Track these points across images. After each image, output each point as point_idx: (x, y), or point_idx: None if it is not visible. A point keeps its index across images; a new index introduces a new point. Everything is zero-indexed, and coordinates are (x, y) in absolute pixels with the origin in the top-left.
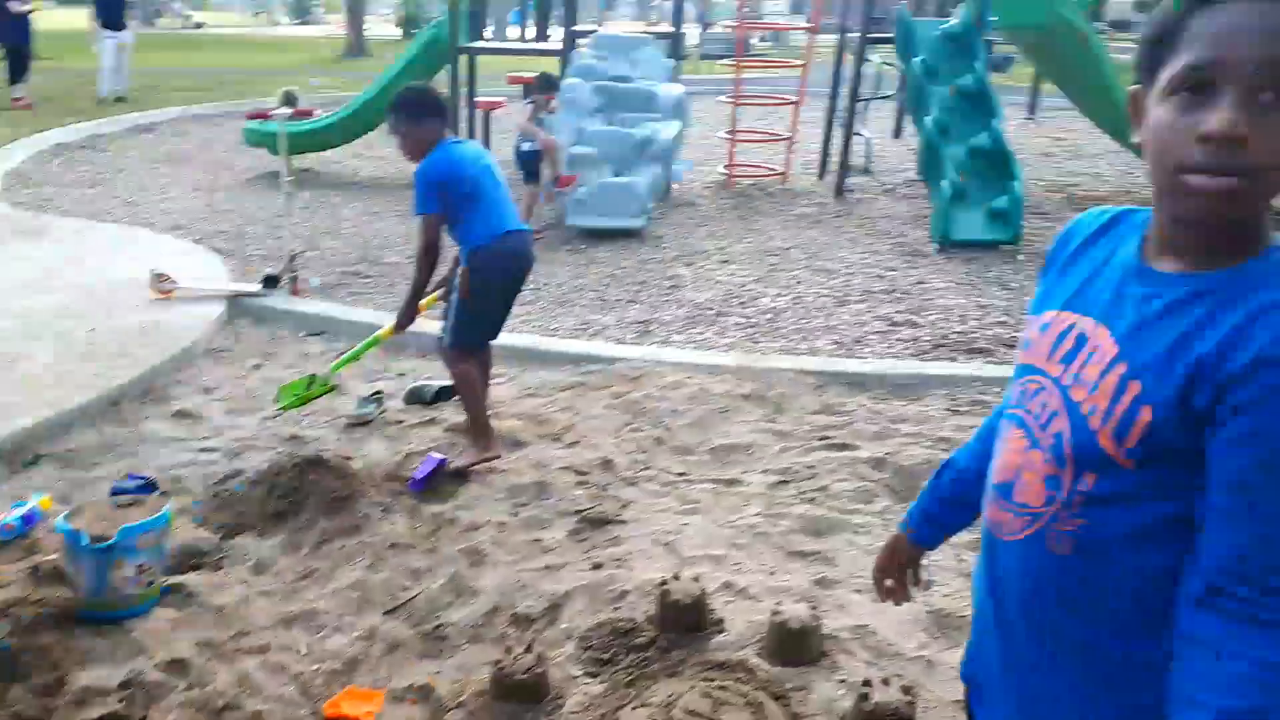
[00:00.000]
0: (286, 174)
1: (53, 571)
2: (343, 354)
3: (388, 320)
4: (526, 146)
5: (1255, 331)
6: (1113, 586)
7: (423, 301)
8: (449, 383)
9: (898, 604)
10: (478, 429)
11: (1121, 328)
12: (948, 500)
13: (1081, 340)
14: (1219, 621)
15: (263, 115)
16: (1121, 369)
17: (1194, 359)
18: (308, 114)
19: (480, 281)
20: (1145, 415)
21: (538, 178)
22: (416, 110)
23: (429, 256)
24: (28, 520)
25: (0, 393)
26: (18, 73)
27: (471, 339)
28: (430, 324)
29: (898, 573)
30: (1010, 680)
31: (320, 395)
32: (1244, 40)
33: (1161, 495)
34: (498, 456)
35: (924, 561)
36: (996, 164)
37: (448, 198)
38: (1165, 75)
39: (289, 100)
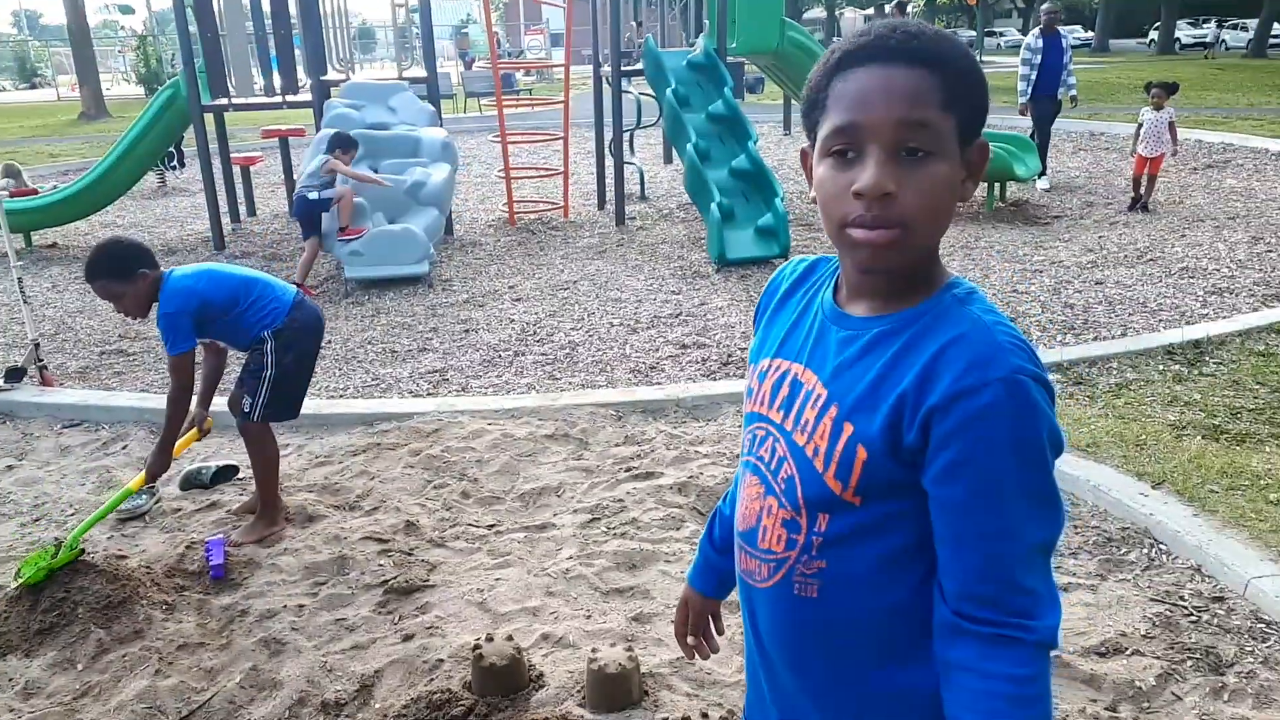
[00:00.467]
0: (14, 258)
1: None
2: (84, 519)
3: (152, 402)
4: (313, 196)
5: (943, 367)
6: (863, 620)
7: (179, 443)
8: (227, 462)
9: (704, 658)
10: (273, 505)
11: (827, 371)
12: (721, 550)
13: (796, 385)
14: (971, 644)
15: None
16: (834, 411)
17: (895, 396)
18: (31, 192)
19: (291, 355)
20: (861, 454)
21: (318, 230)
22: (121, 267)
23: (185, 396)
24: None
25: None
26: None
27: (282, 412)
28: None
29: (696, 628)
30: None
31: (65, 564)
32: (879, 103)
33: (893, 527)
34: (283, 527)
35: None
36: (758, 183)
37: (206, 319)
38: (820, 142)
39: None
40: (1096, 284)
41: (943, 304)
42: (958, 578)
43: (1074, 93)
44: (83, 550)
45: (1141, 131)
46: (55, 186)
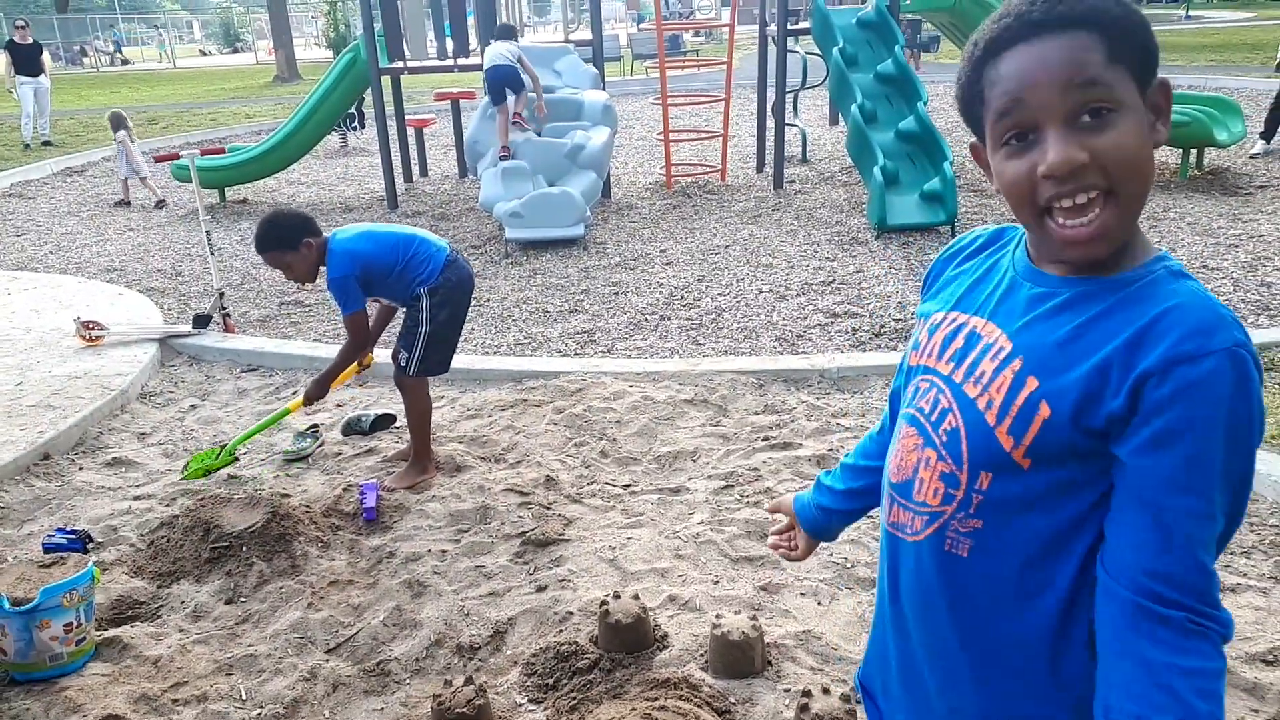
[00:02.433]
0: (203, 213)
1: None
2: (248, 429)
3: (322, 351)
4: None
5: (1161, 332)
6: (1012, 589)
7: (336, 380)
8: (385, 411)
9: (785, 557)
10: (424, 455)
11: (1014, 325)
12: (833, 492)
13: (973, 338)
14: (1161, 631)
15: (171, 157)
16: (1018, 364)
17: (1099, 358)
18: (219, 151)
19: (445, 313)
20: (1044, 411)
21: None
22: (287, 237)
23: (357, 352)
24: None
25: None
26: None
27: (435, 366)
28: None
29: (784, 535)
30: (909, 684)
31: (225, 466)
32: (1040, 79)
33: (1058, 500)
34: (433, 476)
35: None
36: (926, 146)
37: (372, 279)
38: (989, 130)
39: (118, 124)
40: None
41: (1154, 273)
42: (1146, 552)
43: None
44: (238, 458)
45: None
46: (222, 147)
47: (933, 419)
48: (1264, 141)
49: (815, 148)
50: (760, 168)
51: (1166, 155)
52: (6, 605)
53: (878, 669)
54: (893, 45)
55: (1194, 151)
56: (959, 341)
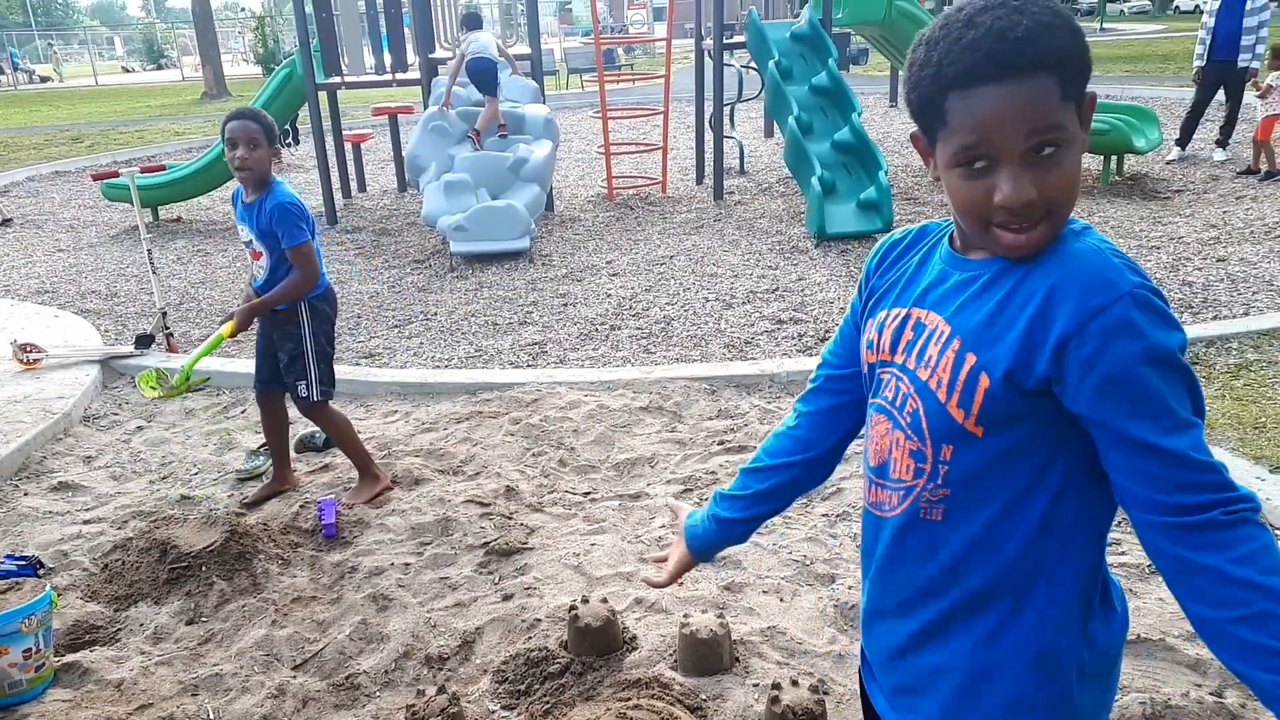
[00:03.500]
0: (144, 231)
1: None
2: (192, 355)
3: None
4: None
5: (1065, 293)
6: (981, 546)
7: (221, 337)
8: None
9: (651, 581)
10: (366, 467)
11: (949, 309)
12: (733, 502)
13: (919, 327)
14: (1212, 534)
15: (109, 175)
16: (957, 344)
17: (1022, 325)
18: (159, 168)
19: (328, 325)
20: (984, 382)
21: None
22: (271, 130)
23: (307, 286)
24: None
25: None
26: None
27: (330, 383)
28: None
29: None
30: (895, 653)
31: (191, 388)
32: (1009, 122)
33: (1013, 463)
34: (390, 487)
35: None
36: (862, 156)
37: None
38: (944, 149)
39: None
40: (1219, 261)
41: (1061, 242)
42: (1154, 479)
43: (1256, 63)
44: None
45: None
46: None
47: (897, 404)
48: (1179, 148)
49: (752, 159)
50: (700, 179)
51: (1089, 162)
52: None
53: (868, 642)
54: (826, 58)
55: (1114, 158)
56: (907, 333)
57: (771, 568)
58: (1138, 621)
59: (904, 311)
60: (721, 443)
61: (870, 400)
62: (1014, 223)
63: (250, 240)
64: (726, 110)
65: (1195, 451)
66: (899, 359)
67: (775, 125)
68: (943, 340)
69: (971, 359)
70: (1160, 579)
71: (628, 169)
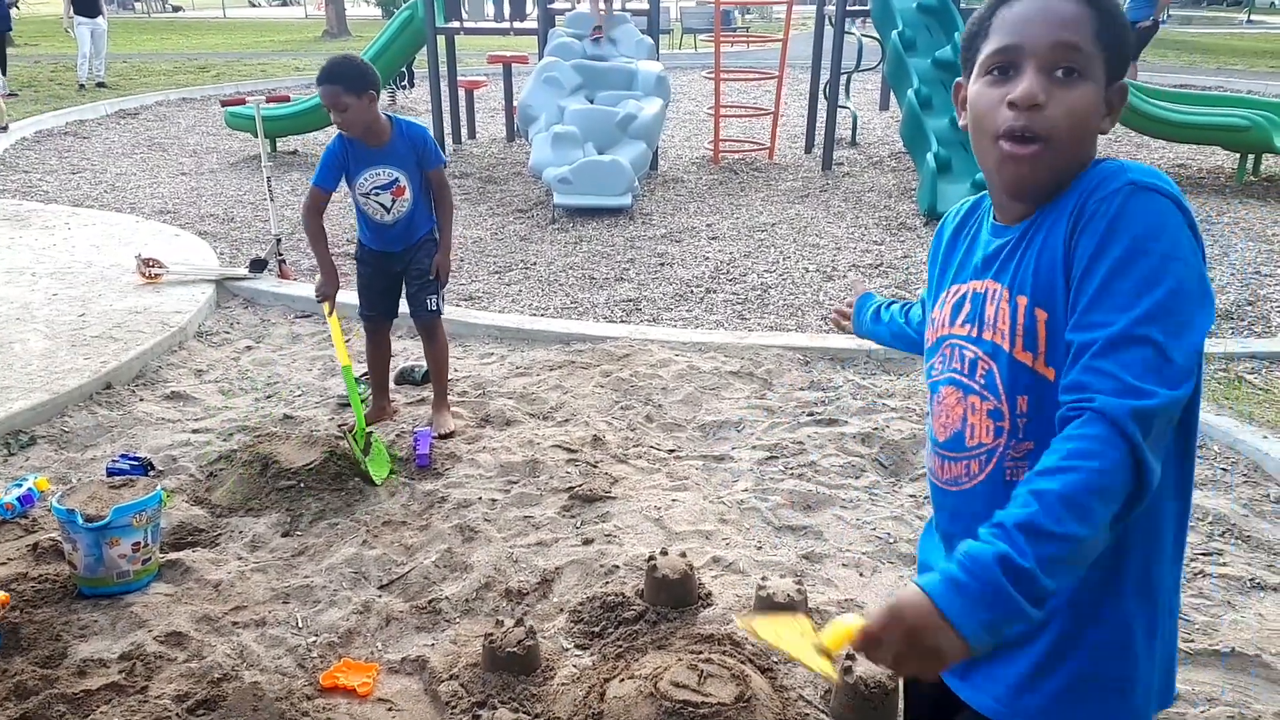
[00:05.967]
0: (266, 159)
1: (52, 549)
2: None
3: None
4: None
5: (1084, 197)
6: None
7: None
8: None
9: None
10: (445, 393)
11: (997, 271)
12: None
13: (977, 297)
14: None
15: (237, 101)
16: (1008, 294)
17: (1059, 249)
18: (284, 99)
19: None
20: (1041, 315)
21: None
22: (358, 79)
23: (453, 204)
24: (25, 500)
25: None
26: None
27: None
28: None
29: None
30: None
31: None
32: (1038, 26)
33: None
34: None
35: None
36: None
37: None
38: (980, 60)
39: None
40: None
41: (1079, 180)
42: (1118, 309)
43: None
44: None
45: None
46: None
47: (965, 370)
48: None
49: (865, 131)
50: (809, 148)
51: (1223, 159)
52: (80, 521)
53: None
54: (952, 31)
55: (1251, 157)
56: (966, 306)
57: (853, 542)
58: (1234, 635)
59: (959, 288)
60: (811, 414)
61: (932, 380)
62: (1018, 129)
63: (392, 180)
64: (843, 79)
65: (1116, 344)
66: (961, 330)
67: (892, 98)
68: (996, 298)
69: (1024, 301)
70: (1261, 595)
71: (735, 133)
